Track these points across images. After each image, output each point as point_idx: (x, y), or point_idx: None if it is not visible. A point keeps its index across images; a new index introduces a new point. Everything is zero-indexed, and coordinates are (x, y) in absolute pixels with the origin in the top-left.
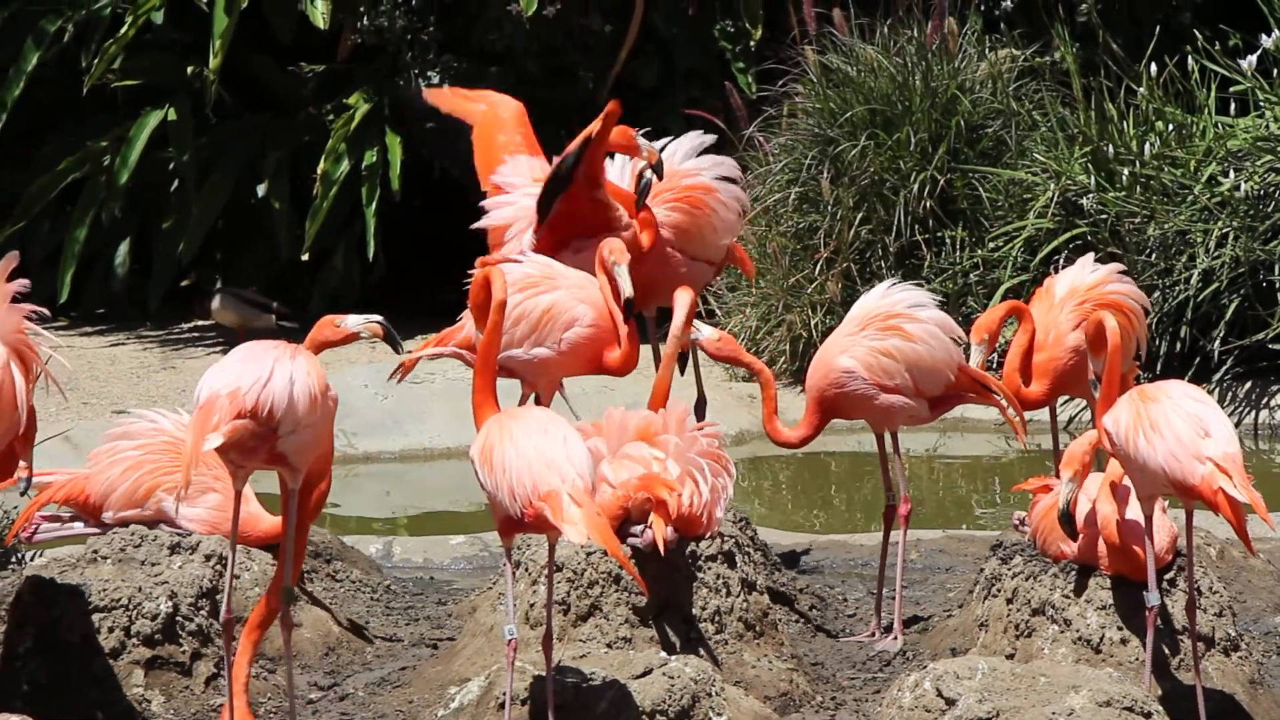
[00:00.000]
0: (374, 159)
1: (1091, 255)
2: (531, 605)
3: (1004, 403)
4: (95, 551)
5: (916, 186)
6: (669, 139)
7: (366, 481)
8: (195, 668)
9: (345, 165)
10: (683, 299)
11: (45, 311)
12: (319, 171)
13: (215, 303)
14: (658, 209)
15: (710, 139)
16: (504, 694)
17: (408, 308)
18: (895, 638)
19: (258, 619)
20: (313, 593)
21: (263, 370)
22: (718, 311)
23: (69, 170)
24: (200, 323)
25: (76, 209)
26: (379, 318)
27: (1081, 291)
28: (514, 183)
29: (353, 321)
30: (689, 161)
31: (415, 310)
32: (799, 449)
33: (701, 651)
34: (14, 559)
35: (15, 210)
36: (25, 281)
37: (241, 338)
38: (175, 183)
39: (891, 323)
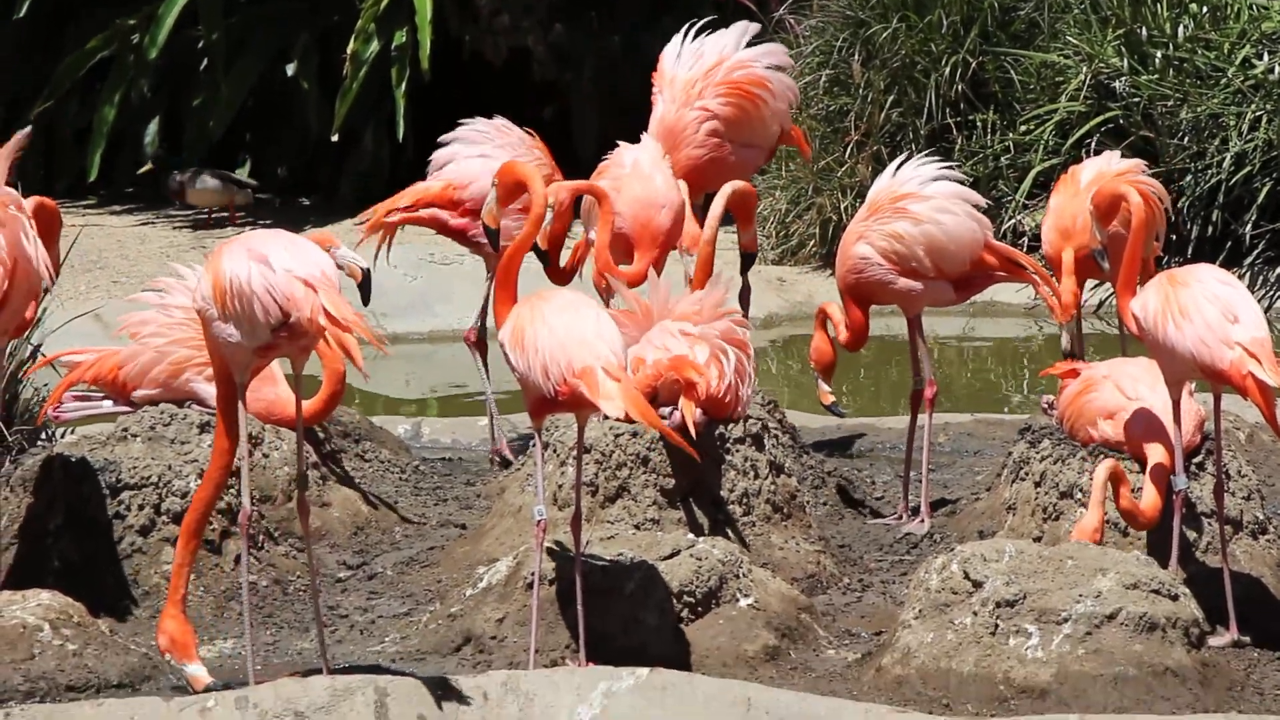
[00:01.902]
0: (403, 39)
1: (1118, 151)
2: (560, 486)
3: (1038, 280)
4: (125, 430)
5: (948, 69)
6: (702, 25)
7: (395, 362)
8: (224, 545)
9: (375, 46)
10: (725, 189)
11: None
12: (348, 52)
13: (196, 182)
14: (710, 99)
15: (755, 28)
16: (532, 574)
17: None
18: (922, 520)
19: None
20: (341, 472)
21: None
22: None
23: (98, 48)
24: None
25: (105, 87)
26: (366, 264)
27: (1108, 179)
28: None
29: (343, 252)
30: (740, 52)
31: None
32: (857, 350)
33: (729, 533)
34: (44, 436)
35: (44, 89)
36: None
37: (232, 217)
38: (205, 61)
39: (900, 204)
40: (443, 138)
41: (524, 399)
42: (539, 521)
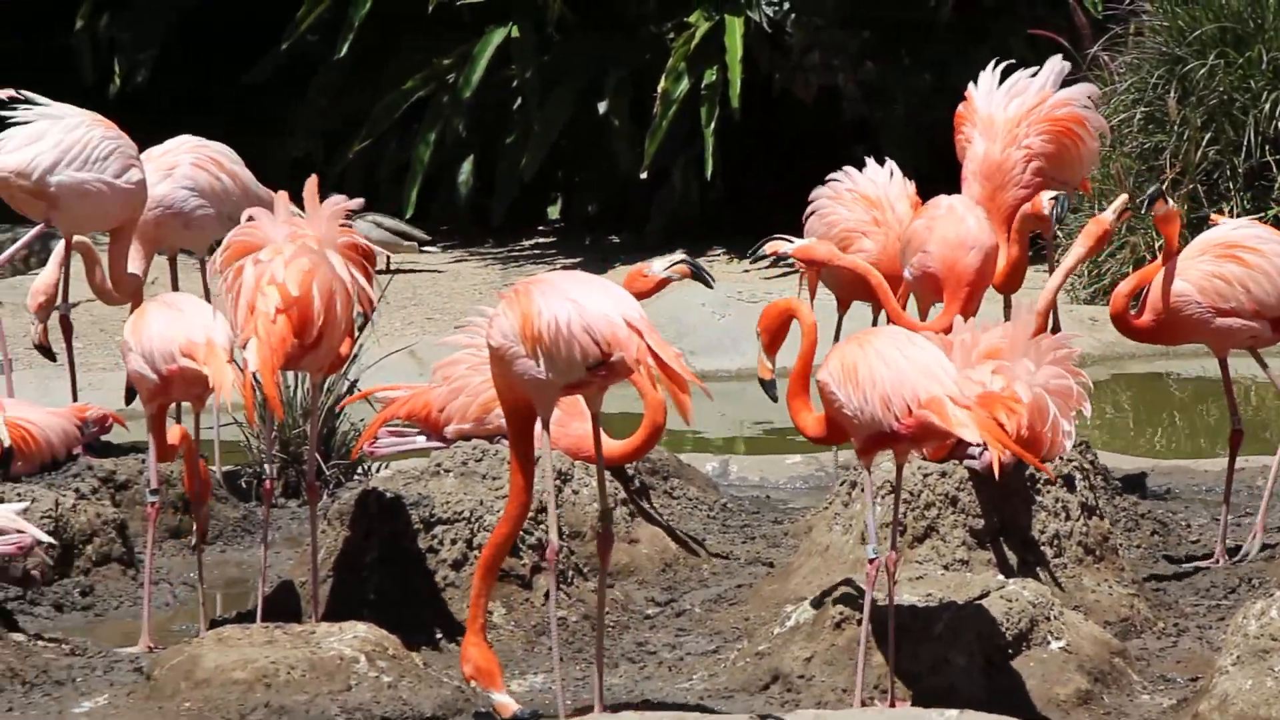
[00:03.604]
0: (714, 77)
1: None
2: (866, 525)
3: None
4: (438, 465)
5: (1268, 106)
6: (1007, 64)
7: (702, 400)
8: (534, 581)
9: (685, 84)
10: (1081, 241)
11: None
12: (659, 90)
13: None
14: (1034, 139)
15: (1068, 66)
16: (841, 613)
17: (746, 227)
18: (1241, 561)
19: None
20: (649, 509)
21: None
22: (1059, 233)
23: (415, 88)
24: (540, 240)
25: (422, 126)
26: (681, 256)
27: None
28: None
29: (658, 266)
30: (1060, 91)
31: (753, 229)
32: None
33: (1040, 575)
34: (360, 471)
35: (363, 128)
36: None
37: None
38: (518, 100)
39: (1233, 251)
40: None
41: (853, 438)
42: (873, 560)
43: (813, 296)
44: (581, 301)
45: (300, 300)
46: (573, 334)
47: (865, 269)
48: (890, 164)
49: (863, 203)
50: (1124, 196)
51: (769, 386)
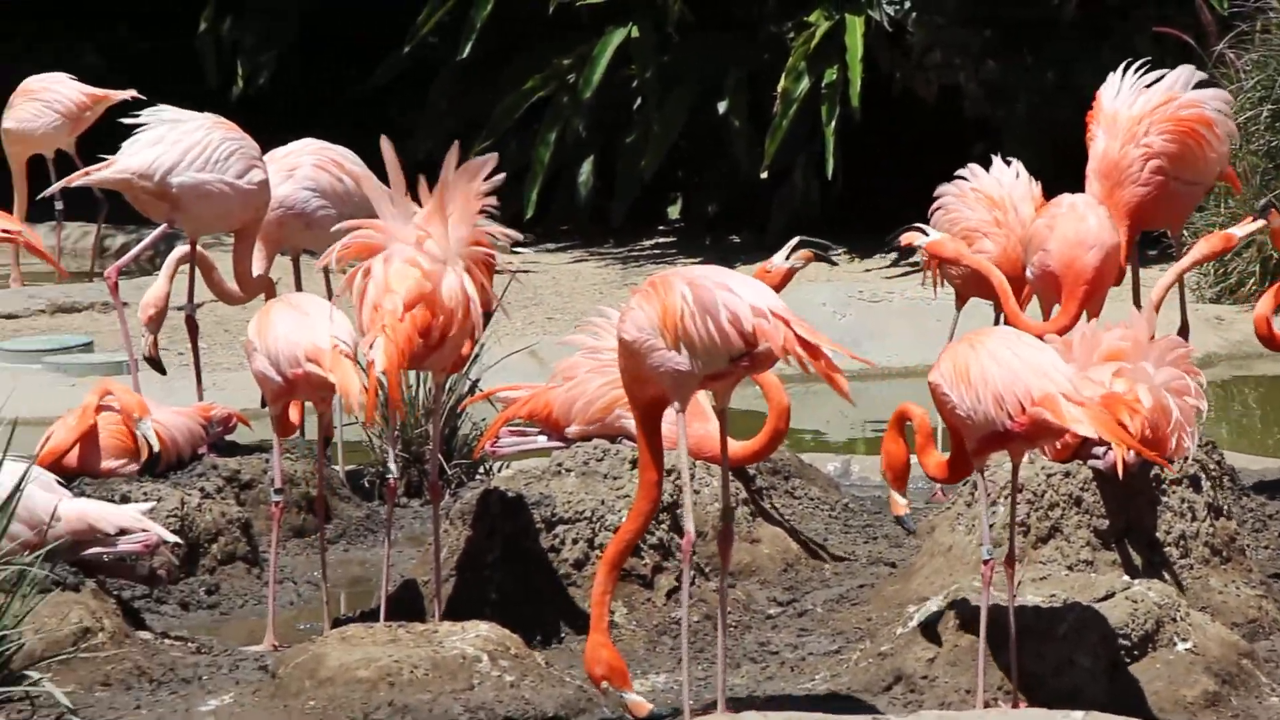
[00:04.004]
0: (834, 76)
1: None
2: (991, 525)
3: None
4: (559, 464)
5: None
6: (1141, 63)
7: (824, 399)
8: (656, 581)
9: (805, 83)
10: (1202, 246)
11: (516, 234)
12: (779, 89)
13: None
14: (1154, 137)
15: (1200, 75)
16: (963, 614)
17: (866, 226)
18: None
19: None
20: (771, 509)
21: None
22: (1184, 232)
23: (535, 89)
24: (660, 240)
25: (542, 127)
26: (798, 240)
27: None
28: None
29: (779, 259)
30: (1189, 92)
31: (874, 229)
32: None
33: (1165, 576)
34: (482, 470)
35: (484, 129)
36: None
37: None
38: (638, 100)
39: None
40: None
41: (965, 438)
42: (987, 561)
43: (937, 289)
44: (726, 292)
45: (426, 300)
46: (719, 324)
47: (988, 269)
48: (1016, 164)
49: (985, 202)
50: (1260, 223)
51: (904, 521)
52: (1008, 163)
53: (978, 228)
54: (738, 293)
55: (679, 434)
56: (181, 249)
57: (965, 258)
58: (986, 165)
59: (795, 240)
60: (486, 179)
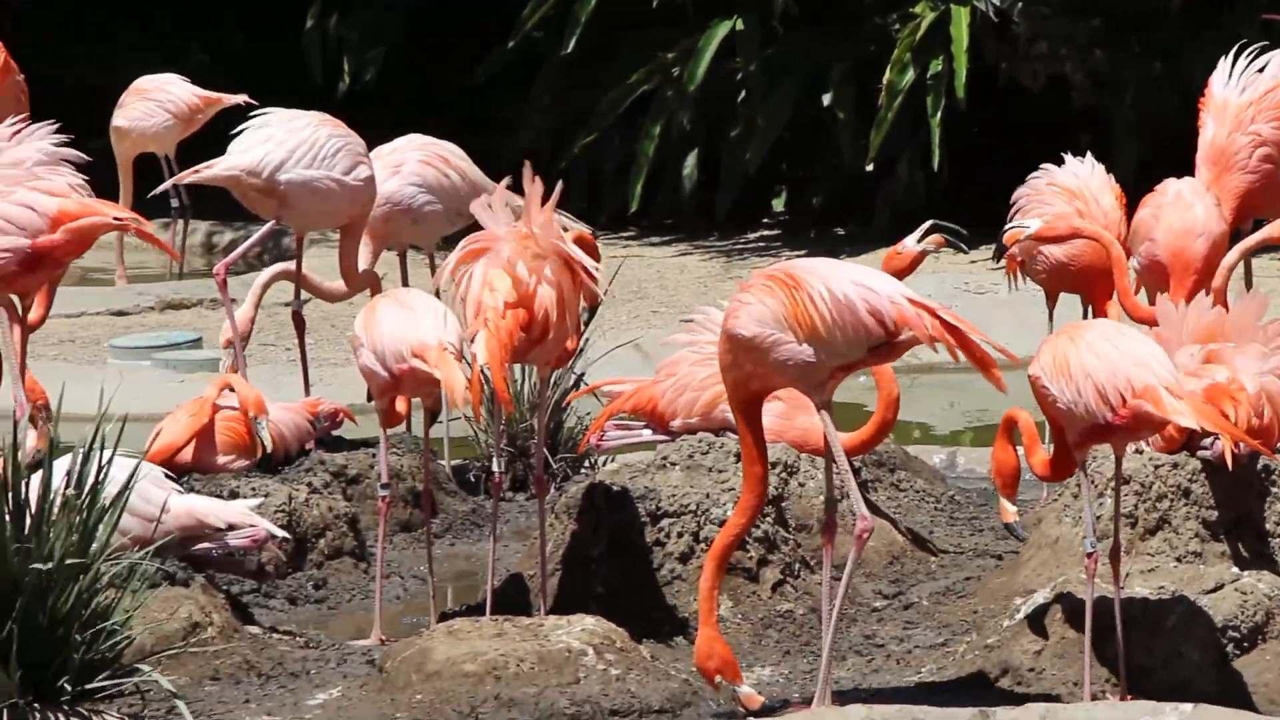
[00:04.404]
0: (939, 68)
1: None
2: (1098, 518)
3: None
4: (665, 458)
5: None
6: (1257, 49)
7: (930, 391)
8: (762, 574)
9: (910, 75)
10: (1272, 228)
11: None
12: (884, 81)
13: None
14: (1263, 124)
15: None
16: (1070, 606)
17: (973, 217)
18: None
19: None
20: (876, 502)
21: None
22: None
23: (639, 82)
24: (765, 233)
25: (647, 120)
26: (930, 223)
27: None
28: None
29: (911, 242)
30: None
31: (980, 220)
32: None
33: (1276, 568)
34: (586, 465)
35: (588, 123)
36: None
37: None
38: (742, 93)
39: None
40: None
41: (1066, 430)
42: (1090, 554)
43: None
44: (861, 282)
45: (527, 294)
46: (858, 314)
47: (1108, 239)
48: (1089, 158)
49: (1064, 195)
50: None
51: (1013, 528)
52: (1108, 152)
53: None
54: (874, 282)
55: (827, 423)
56: (268, 273)
57: (1084, 229)
58: (1097, 156)
59: (928, 224)
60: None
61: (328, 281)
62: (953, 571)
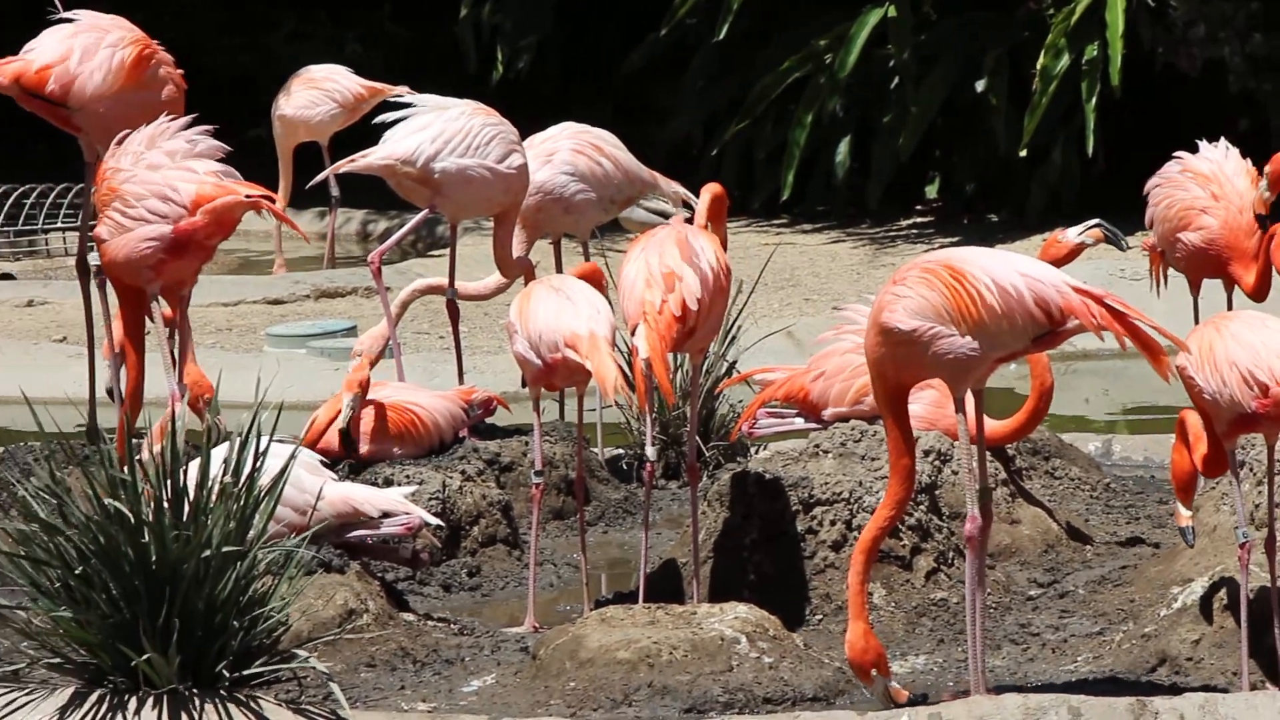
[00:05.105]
0: (1094, 53)
1: None
2: (1256, 506)
3: None
4: (817, 445)
5: None
6: None
7: (1085, 378)
8: (915, 562)
9: (1064, 60)
10: None
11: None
12: (1038, 67)
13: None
14: None
15: None
16: (1229, 595)
17: (1128, 204)
18: None
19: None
20: (1031, 490)
21: None
22: None
23: (792, 69)
24: (918, 220)
25: (799, 107)
26: (1095, 221)
27: None
28: None
29: (1073, 233)
30: None
31: (1134, 208)
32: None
33: None
34: (739, 453)
35: (740, 110)
36: None
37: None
38: (894, 80)
39: None
40: None
41: (1215, 421)
42: (1243, 544)
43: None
44: (1026, 271)
45: (684, 286)
46: (1025, 304)
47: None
48: (1223, 142)
49: (1197, 180)
50: None
51: (1185, 533)
52: (1267, 135)
53: (1194, 204)
54: (1036, 273)
55: (972, 417)
56: (410, 289)
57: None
58: (1253, 140)
59: (1093, 222)
60: None
61: (471, 284)
62: (1108, 560)
